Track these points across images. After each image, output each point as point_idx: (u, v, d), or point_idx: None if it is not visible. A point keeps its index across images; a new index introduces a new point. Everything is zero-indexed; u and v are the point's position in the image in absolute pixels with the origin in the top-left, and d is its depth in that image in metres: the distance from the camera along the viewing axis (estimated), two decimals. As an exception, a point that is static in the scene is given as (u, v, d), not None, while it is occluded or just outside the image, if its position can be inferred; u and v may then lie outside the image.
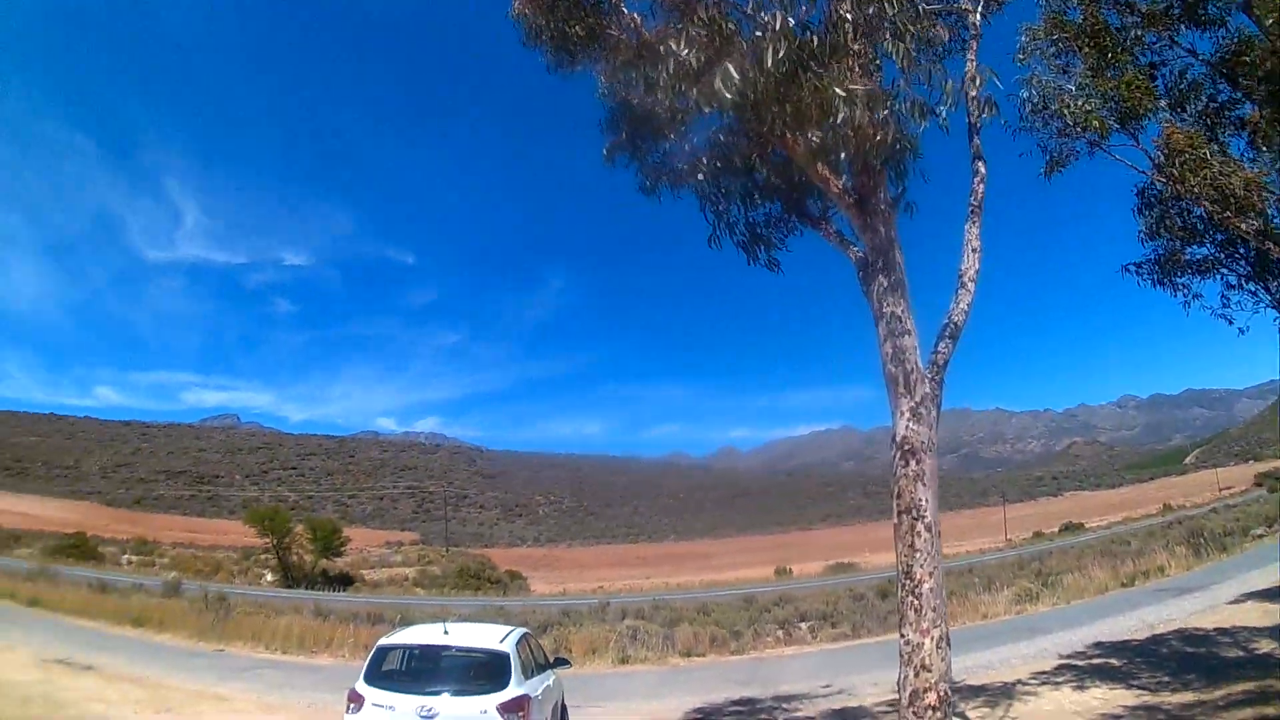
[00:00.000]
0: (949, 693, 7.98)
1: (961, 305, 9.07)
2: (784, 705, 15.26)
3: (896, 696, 13.88)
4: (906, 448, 8.32)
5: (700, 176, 9.91)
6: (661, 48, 8.13)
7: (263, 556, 64.19)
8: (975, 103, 9.62)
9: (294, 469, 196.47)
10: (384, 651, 9.83)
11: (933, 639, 7.89)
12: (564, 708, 12.46)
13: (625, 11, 9.21)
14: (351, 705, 8.96)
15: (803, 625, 28.94)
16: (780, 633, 27.54)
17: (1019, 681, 14.53)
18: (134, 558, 65.88)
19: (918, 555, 8.06)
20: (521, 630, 11.04)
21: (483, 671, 9.30)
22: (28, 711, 13.16)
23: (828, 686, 16.72)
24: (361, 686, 9.06)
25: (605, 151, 10.42)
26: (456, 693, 8.96)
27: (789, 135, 8.42)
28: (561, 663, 12.69)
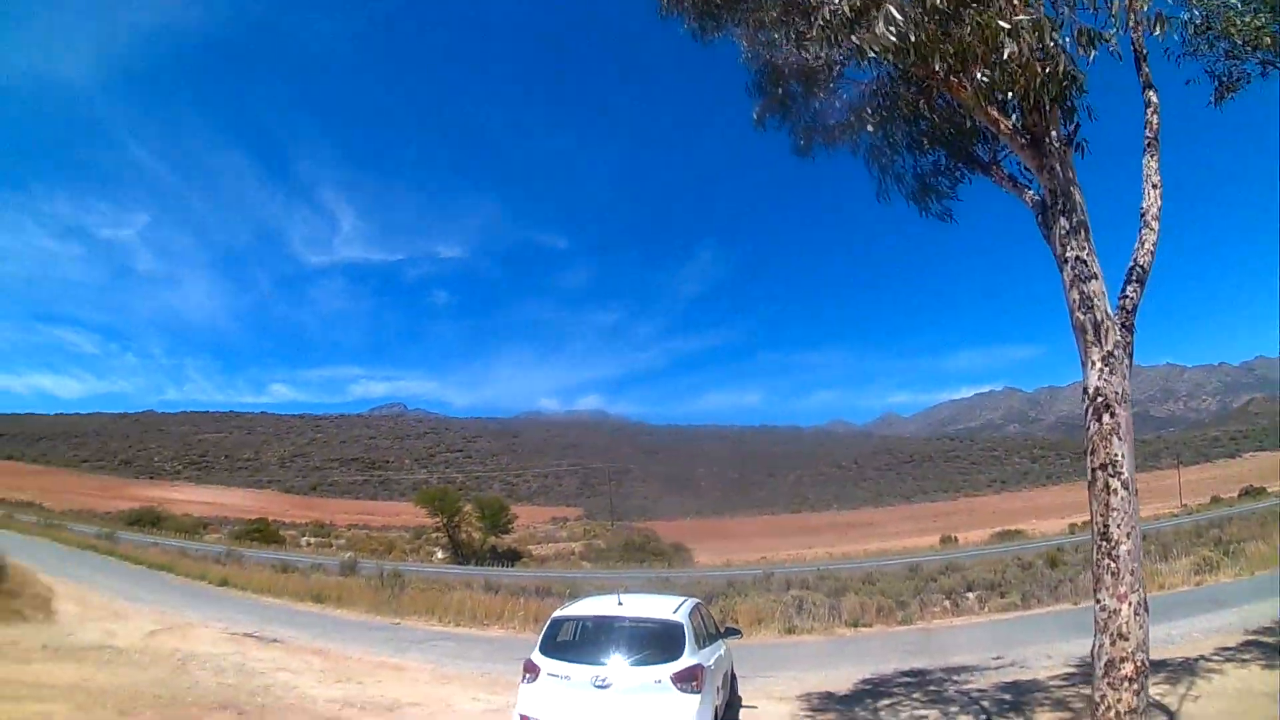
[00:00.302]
0: (1147, 663, 7.37)
1: (1147, 246, 8.38)
2: (954, 677, 14.63)
3: (1071, 670, 13.03)
4: (1100, 400, 7.70)
5: (869, 128, 9.56)
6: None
7: (433, 535, 66.87)
8: (1143, 22, 8.77)
9: (460, 451, 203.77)
10: (558, 623, 9.91)
11: (1130, 605, 7.31)
12: (733, 677, 12.32)
13: None
14: (527, 675, 9.06)
15: (970, 595, 28.13)
16: (947, 602, 26.75)
17: (1201, 657, 13.38)
18: (312, 540, 69.88)
19: (1114, 514, 7.46)
20: (694, 600, 10.94)
21: (657, 641, 9.24)
22: (223, 680, 13.93)
23: (998, 658, 15.98)
24: (537, 657, 9.15)
25: (755, 115, 10.21)
26: (631, 662, 8.95)
27: (953, 77, 7.92)
28: (732, 632, 12.58)
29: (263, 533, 66.73)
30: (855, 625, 23.46)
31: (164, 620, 20.70)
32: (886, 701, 12.91)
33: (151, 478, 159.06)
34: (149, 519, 72.76)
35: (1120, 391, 7.72)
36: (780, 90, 9.92)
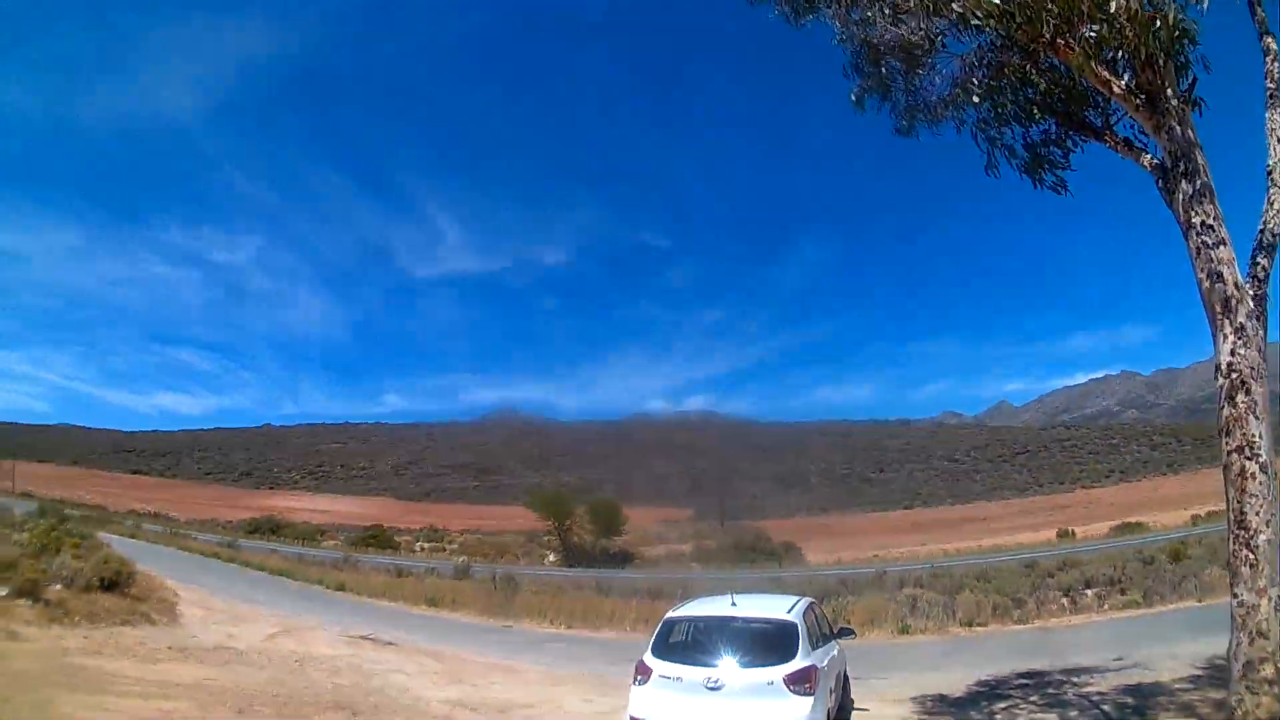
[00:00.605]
0: (1291, 664, 6.84)
1: (1276, 207, 7.83)
2: (1073, 679, 14.02)
3: (1198, 672, 12.28)
4: (1234, 376, 7.27)
5: (974, 100, 9.32)
6: None
7: (545, 539, 67.83)
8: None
9: (571, 455, 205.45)
10: (671, 624, 9.88)
11: (1271, 600, 6.87)
12: (846, 679, 12.07)
13: None
14: (639, 677, 9.06)
15: (1088, 592, 26.99)
16: (1065, 600, 25.86)
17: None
18: (426, 545, 71.59)
19: (1251, 501, 7.03)
20: (807, 600, 10.78)
21: (770, 642, 9.13)
22: (338, 681, 14.26)
23: (1119, 659, 15.21)
24: (649, 658, 9.14)
25: (853, 97, 10.11)
26: (743, 664, 8.85)
27: (1060, 39, 7.60)
28: (846, 633, 12.39)
29: (378, 539, 68.84)
30: (970, 624, 22.98)
31: (282, 623, 21.37)
32: (1002, 705, 12.52)
33: (271, 488, 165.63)
34: (268, 527, 75.81)
35: (1255, 367, 7.30)
36: (878, 69, 9.79)
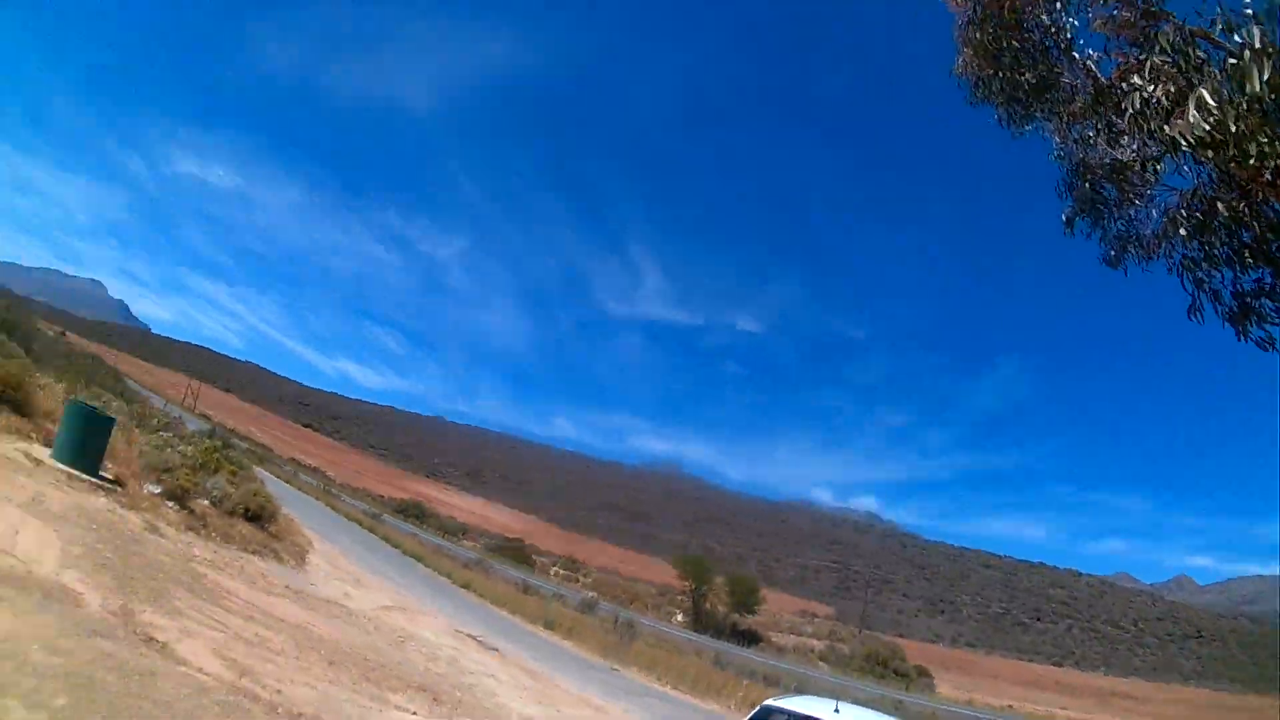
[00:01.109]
0: None
1: None
2: None
3: None
4: None
5: (1181, 233, 8.65)
6: (1124, 84, 7.36)
7: (678, 598, 67.42)
8: None
9: (725, 523, 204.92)
10: (768, 711, 9.45)
11: None
12: None
13: (1077, 56, 8.56)
14: None
15: None
16: None
17: None
18: (561, 571, 72.56)
19: None
20: None
21: None
22: (432, 667, 14.55)
23: None
24: None
25: (1064, 219, 9.65)
26: None
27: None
28: None
29: (516, 551, 70.45)
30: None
31: (399, 600, 22.06)
32: None
33: (428, 476, 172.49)
34: (415, 511, 78.93)
35: None
36: (1091, 191, 9.35)
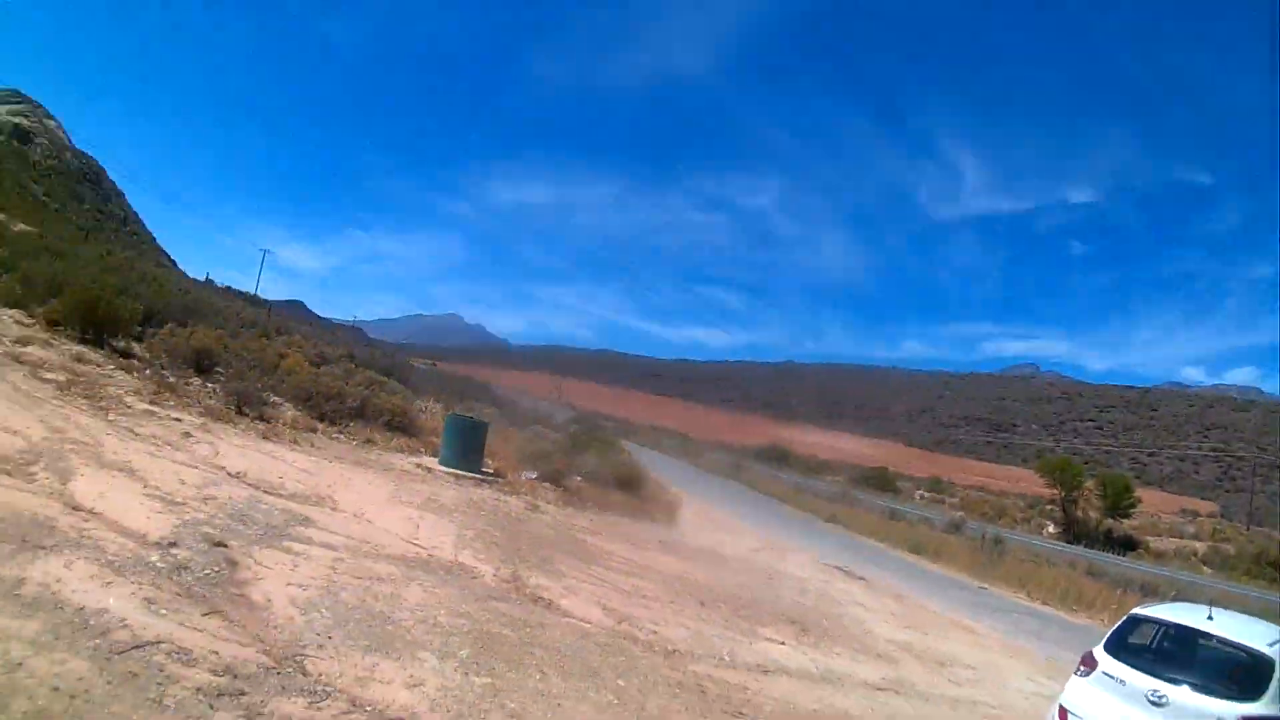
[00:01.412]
0: None
1: None
2: None
3: None
4: None
5: None
6: None
7: (1048, 508, 64.36)
8: None
9: (1091, 421, 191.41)
10: (1134, 621, 9.19)
11: None
12: None
13: None
14: (1082, 668, 8.68)
15: None
16: None
17: None
18: (926, 494, 71.67)
19: None
20: None
21: (1236, 673, 8.05)
22: (801, 600, 15.40)
23: None
24: (1099, 652, 8.67)
25: None
26: (1197, 686, 7.90)
27: None
28: None
29: (879, 480, 70.34)
30: None
31: (767, 542, 23.37)
32: None
33: (784, 420, 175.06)
34: (776, 455, 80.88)
35: None
36: None
